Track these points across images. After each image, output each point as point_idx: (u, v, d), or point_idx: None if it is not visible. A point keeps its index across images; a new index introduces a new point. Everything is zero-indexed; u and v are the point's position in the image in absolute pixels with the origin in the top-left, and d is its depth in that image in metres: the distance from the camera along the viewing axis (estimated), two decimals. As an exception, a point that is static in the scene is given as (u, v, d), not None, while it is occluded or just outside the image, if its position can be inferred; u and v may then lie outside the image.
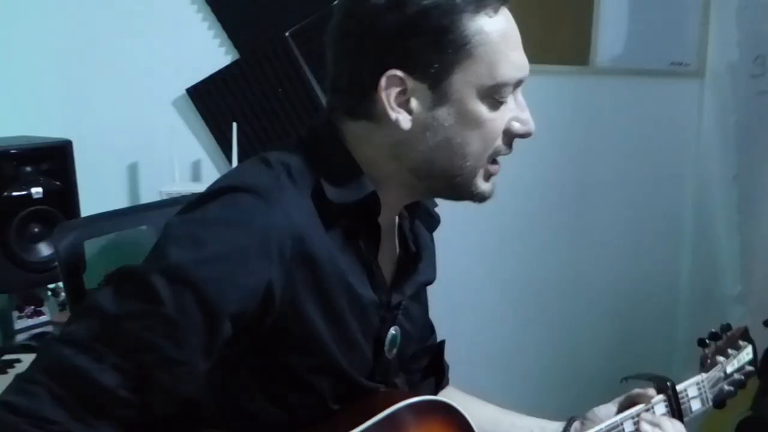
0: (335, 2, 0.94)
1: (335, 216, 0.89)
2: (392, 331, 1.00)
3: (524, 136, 0.93)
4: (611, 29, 2.40)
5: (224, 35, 2.19)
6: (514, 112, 0.92)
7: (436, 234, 1.15)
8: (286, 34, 2.19)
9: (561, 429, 1.12)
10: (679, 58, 2.45)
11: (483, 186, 0.94)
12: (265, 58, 2.19)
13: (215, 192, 0.85)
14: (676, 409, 1.11)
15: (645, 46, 2.43)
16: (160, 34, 2.16)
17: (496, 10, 0.87)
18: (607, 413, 1.11)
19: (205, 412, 0.89)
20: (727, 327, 1.23)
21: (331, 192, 0.88)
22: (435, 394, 1.18)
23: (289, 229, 0.83)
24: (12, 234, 1.74)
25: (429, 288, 1.19)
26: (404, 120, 0.87)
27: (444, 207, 1.09)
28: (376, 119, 0.89)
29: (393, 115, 0.87)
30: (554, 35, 2.37)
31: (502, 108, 0.90)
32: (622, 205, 2.58)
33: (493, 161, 0.93)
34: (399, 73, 0.85)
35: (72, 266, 1.12)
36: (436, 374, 1.19)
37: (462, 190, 0.94)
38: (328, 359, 0.91)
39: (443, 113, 0.87)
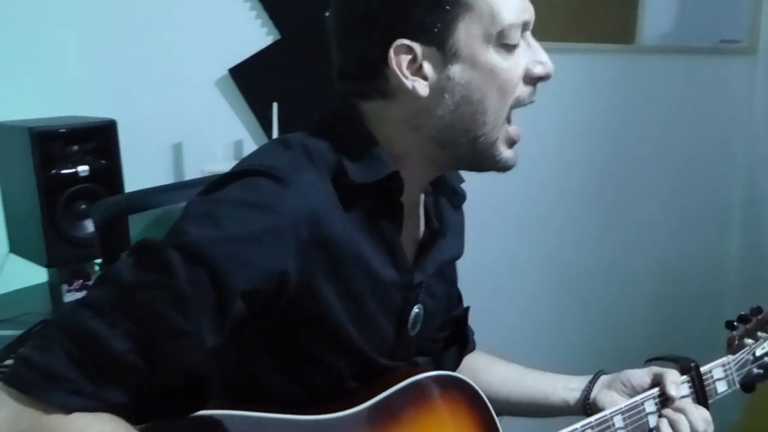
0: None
1: (357, 196, 0.90)
2: (415, 309, 1.01)
3: (544, 77, 0.92)
4: (658, 6, 2.34)
5: (266, 16, 2.22)
6: (529, 56, 0.91)
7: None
8: (326, 14, 2.19)
9: (586, 383, 1.11)
10: (730, 35, 2.37)
11: (506, 153, 0.94)
12: (305, 38, 2.21)
13: (234, 174, 0.87)
14: (699, 390, 1.09)
15: (694, 23, 2.36)
16: (203, 16, 2.20)
17: None
18: (642, 381, 1.09)
19: (214, 389, 0.91)
20: (757, 310, 1.20)
21: (352, 172, 0.89)
22: (457, 362, 1.19)
23: (305, 211, 0.84)
24: (59, 210, 1.80)
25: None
26: (421, 87, 0.87)
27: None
28: (391, 95, 0.90)
29: (409, 83, 0.87)
30: (599, 13, 2.32)
31: (516, 53, 0.90)
32: (668, 187, 2.53)
33: (510, 122, 0.94)
34: (405, 41, 0.86)
35: (109, 240, 1.16)
36: (459, 343, 1.20)
37: (485, 155, 0.93)
38: (346, 339, 0.92)
39: (457, 71, 0.87)
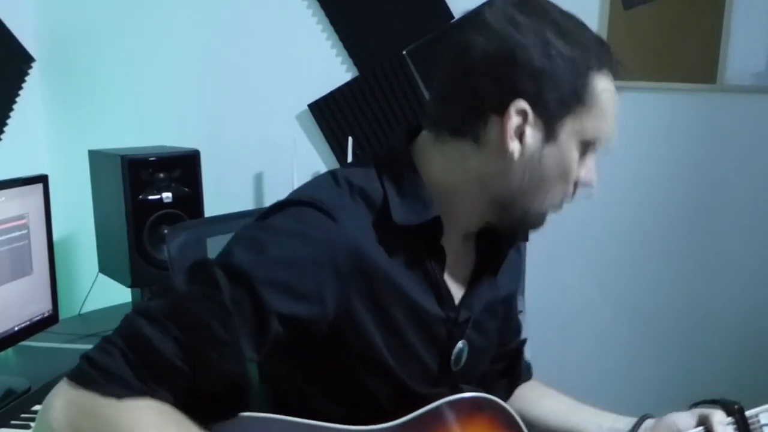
0: (453, 21, 0.97)
1: (399, 235, 0.93)
2: (459, 344, 1.03)
3: (587, 185, 0.98)
4: (742, 47, 2.29)
5: (345, 54, 2.31)
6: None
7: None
8: (404, 52, 2.27)
9: (632, 425, 1.10)
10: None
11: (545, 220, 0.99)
12: (383, 76, 2.29)
13: (283, 204, 0.93)
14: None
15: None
16: (286, 53, 2.32)
17: (610, 73, 0.93)
18: (687, 423, 1.08)
19: (255, 397, 0.96)
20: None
21: (396, 213, 0.93)
22: (509, 393, 1.20)
23: (347, 243, 0.89)
24: (145, 234, 1.92)
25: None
26: (517, 151, 0.91)
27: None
28: (481, 143, 0.93)
29: (510, 144, 0.90)
30: (681, 52, 2.29)
31: (584, 160, 0.96)
32: (753, 230, 2.43)
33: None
34: (526, 105, 0.89)
35: (179, 263, 1.24)
36: (510, 376, 1.21)
37: (530, 224, 1.00)
38: (385, 368, 0.95)
39: (548, 153, 0.92)
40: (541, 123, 0.90)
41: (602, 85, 0.92)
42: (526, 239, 1.11)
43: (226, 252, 0.89)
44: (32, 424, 1.38)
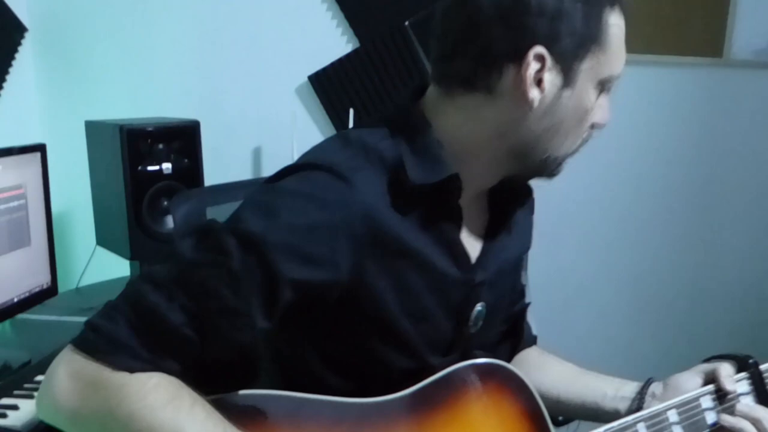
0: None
1: (415, 195, 0.90)
2: (478, 307, 1.01)
3: (601, 126, 0.96)
4: (749, 21, 2.26)
5: (346, 24, 2.27)
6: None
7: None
8: (406, 23, 2.23)
9: (637, 389, 1.08)
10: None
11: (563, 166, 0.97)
12: (384, 47, 2.25)
13: (295, 167, 0.90)
14: (759, 386, 1.03)
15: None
16: (286, 24, 2.28)
17: (622, 7, 0.91)
18: (692, 383, 1.04)
19: (264, 370, 0.94)
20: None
21: (411, 172, 0.90)
22: (510, 357, 1.18)
23: (361, 207, 0.86)
24: (144, 206, 1.89)
25: (536, 282, 1.18)
26: (536, 97, 0.88)
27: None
28: (496, 93, 0.89)
29: (530, 91, 0.87)
30: (687, 25, 2.27)
31: (600, 98, 0.93)
32: (755, 207, 2.42)
33: None
34: (544, 50, 0.86)
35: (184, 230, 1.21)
36: (512, 338, 1.18)
37: (548, 170, 0.96)
38: (400, 334, 0.93)
39: (567, 97, 0.89)
40: (559, 67, 0.87)
41: (616, 19, 0.89)
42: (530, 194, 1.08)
43: (235, 217, 0.85)
44: (36, 393, 1.35)
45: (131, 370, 0.77)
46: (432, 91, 0.96)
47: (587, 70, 0.89)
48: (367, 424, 0.91)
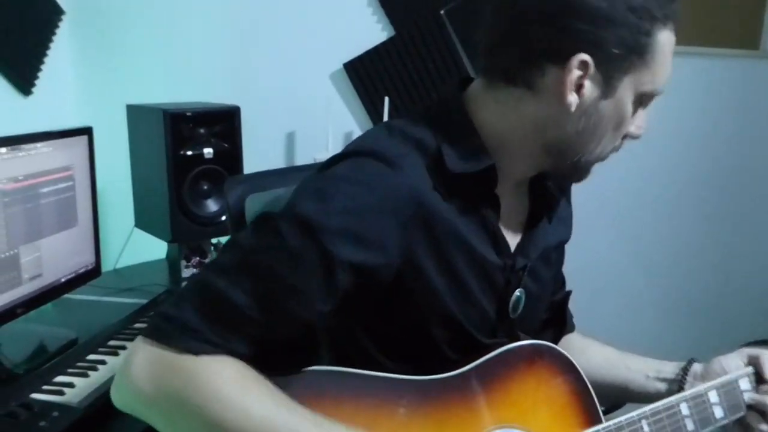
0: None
1: (455, 184, 0.93)
2: (516, 293, 1.04)
3: (635, 137, 0.98)
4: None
5: (381, 12, 2.28)
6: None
7: (577, 218, 1.17)
8: (441, 12, 2.23)
9: (678, 370, 1.12)
10: None
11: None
12: (419, 35, 2.26)
13: (343, 155, 0.93)
14: None
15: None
16: (322, 11, 2.28)
17: (674, 25, 0.91)
18: (734, 364, 1.09)
19: (323, 349, 0.97)
20: None
21: (450, 161, 0.93)
22: (554, 343, 1.20)
23: (408, 191, 0.89)
24: (185, 189, 1.91)
25: (567, 272, 1.20)
26: (574, 102, 0.90)
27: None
28: (536, 90, 0.91)
29: (568, 96, 0.89)
30: (724, 18, 2.26)
31: (637, 113, 0.95)
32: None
33: None
34: (588, 59, 0.88)
35: (239, 216, 1.23)
36: (557, 325, 1.22)
37: (580, 173, 0.99)
38: (448, 315, 0.96)
39: (605, 106, 0.91)
40: (601, 77, 0.89)
41: (665, 37, 0.90)
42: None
43: (290, 204, 0.88)
44: (90, 372, 1.38)
45: (204, 353, 0.80)
46: (477, 83, 0.99)
47: (629, 82, 0.90)
48: (427, 401, 0.94)
